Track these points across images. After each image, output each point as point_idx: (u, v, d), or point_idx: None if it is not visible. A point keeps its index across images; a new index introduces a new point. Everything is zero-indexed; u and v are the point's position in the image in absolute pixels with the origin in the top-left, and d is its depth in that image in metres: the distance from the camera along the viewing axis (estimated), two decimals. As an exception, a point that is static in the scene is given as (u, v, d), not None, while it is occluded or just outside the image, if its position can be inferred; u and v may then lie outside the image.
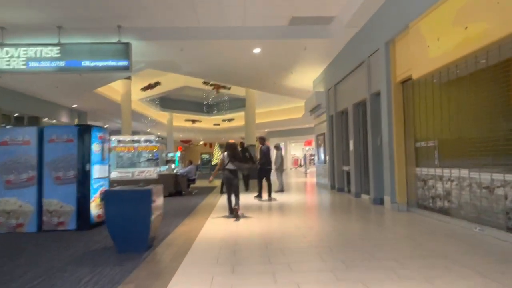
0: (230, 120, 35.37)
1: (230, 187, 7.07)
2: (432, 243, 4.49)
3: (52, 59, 8.85)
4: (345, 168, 10.88)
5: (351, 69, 9.61)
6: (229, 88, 19.51)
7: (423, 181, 6.76)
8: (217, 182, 15.96)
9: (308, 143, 36.75)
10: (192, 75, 14.33)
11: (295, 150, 42.46)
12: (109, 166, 7.12)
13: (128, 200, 4.30)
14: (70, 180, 5.86)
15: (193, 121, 34.48)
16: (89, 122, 25.18)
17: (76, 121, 21.58)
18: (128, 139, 11.69)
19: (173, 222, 6.46)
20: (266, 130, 37.26)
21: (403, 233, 5.28)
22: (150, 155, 11.60)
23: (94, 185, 6.04)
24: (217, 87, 18.73)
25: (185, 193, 11.52)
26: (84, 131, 5.98)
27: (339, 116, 11.28)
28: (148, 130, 34.66)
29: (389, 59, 7.30)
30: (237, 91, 21.42)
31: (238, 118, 34.00)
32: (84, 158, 5.93)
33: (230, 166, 6.91)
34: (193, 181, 11.49)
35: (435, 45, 5.52)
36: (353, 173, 9.65)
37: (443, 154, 6.13)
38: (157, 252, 4.40)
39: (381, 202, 7.97)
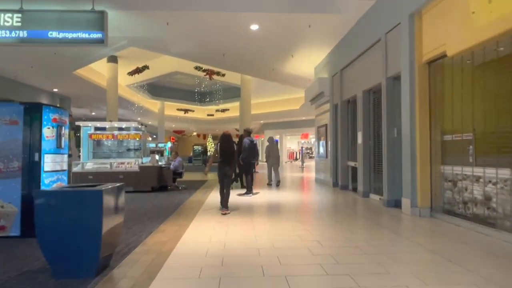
0: (224, 110, 34.04)
1: (223, 180, 6.70)
2: (476, 264, 3.33)
3: (12, 28, 7.46)
4: (351, 163, 9.71)
5: (362, 50, 8.37)
6: (223, 75, 18.18)
7: (451, 182, 5.60)
8: (210, 176, 14.78)
9: (305, 136, 35.64)
10: (182, 56, 12.98)
11: (291, 143, 41.37)
12: (69, 156, 5.83)
13: (68, 205, 3.06)
14: (13, 174, 4.58)
15: (186, 110, 33.08)
16: (72, 109, 23.70)
17: (58, 107, 20.11)
18: (106, 126, 10.36)
19: (147, 227, 5.23)
20: (262, 121, 36.03)
21: (437, 248, 4.11)
22: (133, 144, 10.31)
23: (45, 180, 4.77)
24: (210, 73, 17.38)
25: (171, 188, 10.28)
26: (32, 111, 4.70)
27: (345, 105, 10.07)
28: (138, 119, 33.24)
29: (413, 34, 6.07)
30: (232, 78, 20.08)
31: (233, 109, 32.71)
32: (32, 145, 4.64)
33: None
34: (180, 174, 10.24)
35: (485, 9, 4.29)
36: (361, 169, 8.48)
37: (481, 149, 4.97)
38: (113, 276, 3.18)
39: (396, 204, 6.82)
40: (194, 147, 33.12)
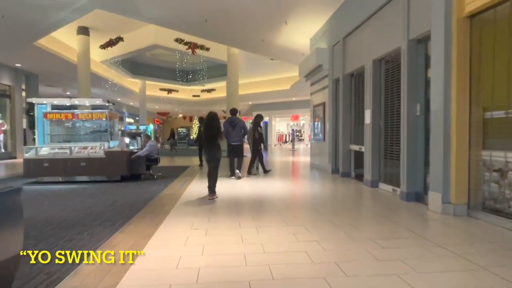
0: (210, 90, 32.24)
1: (210, 164, 6.27)
2: None
3: None
4: (354, 147, 8.38)
5: (372, 10, 6.88)
6: (208, 49, 16.42)
7: (497, 173, 4.31)
8: (191, 161, 13.29)
9: (295, 118, 34.29)
10: (157, 22, 11.21)
11: (280, 125, 40.01)
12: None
13: None
14: None
15: (169, 90, 31.11)
16: (42, 88, 21.60)
17: (23, 86, 18.11)
18: (66, 103, 8.70)
19: (92, 239, 3.77)
20: (250, 102, 34.47)
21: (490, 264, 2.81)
22: (100, 125, 8.72)
23: None
24: (193, 46, 15.62)
25: (145, 177, 8.80)
26: None
27: (348, 80, 8.64)
28: (119, 99, 31.17)
29: (451, -22, 4.63)
30: (218, 54, 18.33)
31: (220, 89, 30.95)
32: None
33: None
34: (156, 161, 8.74)
35: None
36: (369, 154, 7.15)
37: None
38: None
39: (417, 198, 5.54)
40: (179, 129, 31.39)
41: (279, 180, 8.53)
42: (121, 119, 34.59)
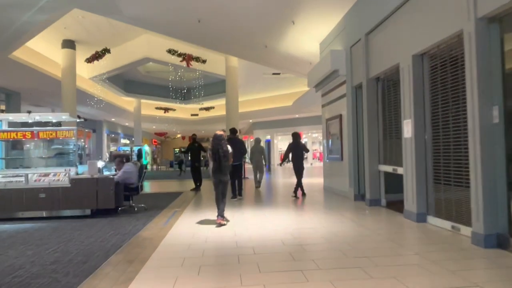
0: (208, 108, 30.81)
1: (218, 187, 5.82)
2: None
3: None
4: (385, 168, 6.69)
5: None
6: (204, 61, 14.99)
7: None
8: (185, 186, 11.53)
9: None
10: (140, 23, 9.68)
11: (282, 144, 38.39)
12: None
13: None
14: None
15: (166, 109, 29.69)
16: (26, 107, 20.08)
17: (2, 106, 16.57)
18: (28, 120, 7.05)
19: None
20: (251, 120, 32.99)
21: None
22: (66, 146, 7.05)
23: None
24: (187, 58, 14.19)
25: (123, 210, 7.05)
26: None
27: (373, 85, 7.04)
28: (113, 119, 29.70)
29: None
30: (215, 67, 16.92)
31: (219, 108, 29.52)
32: None
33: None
34: (135, 190, 6.99)
35: None
36: (411, 178, 5.45)
37: None
38: None
39: (500, 243, 3.81)
40: (175, 150, 29.71)
41: (289, 210, 6.79)
42: (116, 140, 33.10)
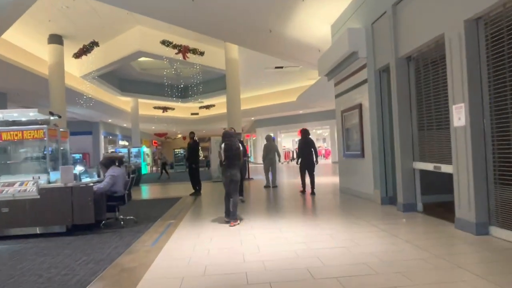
0: (208, 107, 29.66)
1: (229, 186, 5.61)
2: None
3: None
4: (423, 166, 5.50)
5: None
6: (202, 53, 13.79)
7: None
8: (185, 190, 10.37)
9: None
10: (134, 8, 8.52)
11: (285, 141, 37.19)
12: None
13: None
14: None
15: (164, 108, 28.54)
16: (11, 107, 18.96)
17: (-12, 106, 15.46)
18: (-10, 119, 5.89)
19: None
20: (253, 118, 31.81)
21: None
22: (36, 149, 5.89)
23: None
24: (184, 50, 13.02)
25: (107, 223, 5.88)
26: None
27: (404, 65, 5.84)
28: (110, 121, 28.58)
29: None
30: (214, 60, 15.73)
31: (220, 106, 28.36)
32: None
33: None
34: (122, 200, 5.80)
35: None
36: (466, 178, 4.26)
37: None
38: None
39: None
40: (175, 150, 28.59)
41: (307, 219, 5.61)
42: (113, 142, 31.96)
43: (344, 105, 8.36)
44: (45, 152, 5.61)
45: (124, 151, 23.90)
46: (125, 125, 31.19)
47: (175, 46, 12.74)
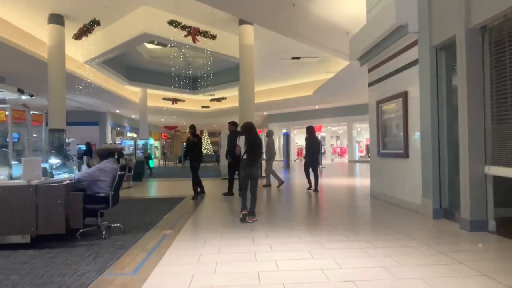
0: (220, 99, 28.41)
1: (247, 182, 5.33)
2: None
3: None
4: (499, 171, 4.09)
5: None
6: (214, 37, 12.46)
7: None
8: (187, 189, 9.04)
9: (318, 129, 30.02)
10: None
11: (297, 138, 35.73)
12: None
13: None
14: None
15: (174, 100, 27.38)
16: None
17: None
18: None
19: None
20: (265, 112, 30.47)
21: None
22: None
23: None
24: (193, 32, 11.72)
25: (86, 232, 4.63)
26: None
27: (476, 40, 4.41)
28: (117, 111, 27.60)
29: None
30: (227, 47, 14.41)
31: (231, 99, 27.10)
32: None
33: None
34: (105, 202, 4.50)
35: None
36: None
37: None
38: None
39: None
40: (184, 144, 27.41)
41: (339, 236, 4.26)
42: (121, 133, 31.00)
43: (382, 94, 6.94)
44: (7, 140, 4.38)
45: (129, 143, 22.93)
46: (133, 116, 30.19)
47: (184, 28, 11.44)
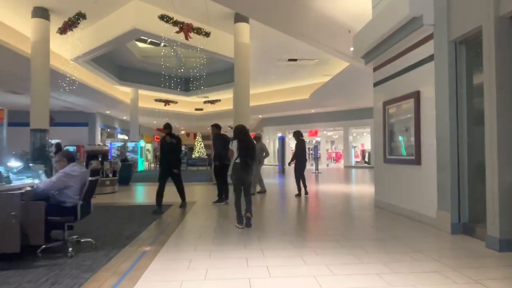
0: (214, 102, 27.75)
1: (240, 187, 5.14)
2: None
3: None
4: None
5: None
6: (208, 34, 11.84)
7: None
8: (175, 195, 8.24)
9: (314, 133, 29.54)
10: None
11: (294, 142, 35.22)
12: None
13: None
14: None
15: (166, 102, 26.66)
16: (2, 94, 17.21)
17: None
18: None
19: None
20: (260, 116, 29.89)
21: None
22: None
23: None
24: (186, 28, 11.08)
25: (50, 248, 3.92)
26: None
27: (507, 29, 3.86)
28: (108, 112, 26.75)
29: None
30: (222, 46, 13.78)
31: (225, 102, 26.49)
32: None
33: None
34: (73, 213, 3.82)
35: None
36: None
37: None
38: None
39: None
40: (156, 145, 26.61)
41: (349, 256, 3.62)
42: (112, 135, 30.11)
43: (390, 95, 6.36)
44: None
45: (119, 144, 22.13)
46: (124, 118, 29.35)
47: (176, 23, 10.79)
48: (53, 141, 13.38)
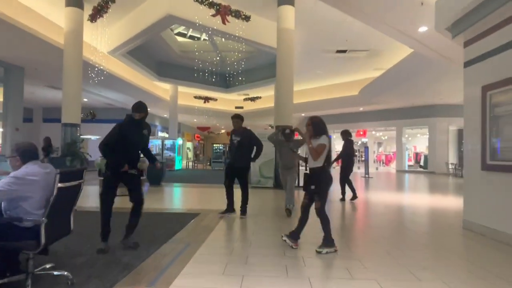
0: (254, 99, 26.47)
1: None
2: None
3: None
4: None
5: None
6: (248, 18, 10.47)
7: None
8: (211, 199, 6.94)
9: (361, 133, 27.23)
10: None
11: (338, 143, 32.93)
12: None
13: None
14: None
15: (206, 99, 25.85)
16: (38, 88, 17.14)
17: None
18: None
19: None
20: (303, 114, 28.11)
21: None
22: None
23: None
24: (223, 11, 9.82)
25: (6, 283, 2.71)
26: None
27: None
28: (148, 109, 26.43)
29: None
30: (264, 35, 12.39)
31: (266, 99, 25.13)
32: None
33: None
34: (35, 237, 2.57)
35: None
36: None
37: None
38: None
39: None
40: (214, 146, 25.90)
41: None
42: (152, 133, 30.03)
43: (493, 76, 4.53)
44: None
45: (157, 142, 21.66)
46: (165, 115, 29.10)
47: (212, 4, 9.56)
48: (84, 137, 12.82)
